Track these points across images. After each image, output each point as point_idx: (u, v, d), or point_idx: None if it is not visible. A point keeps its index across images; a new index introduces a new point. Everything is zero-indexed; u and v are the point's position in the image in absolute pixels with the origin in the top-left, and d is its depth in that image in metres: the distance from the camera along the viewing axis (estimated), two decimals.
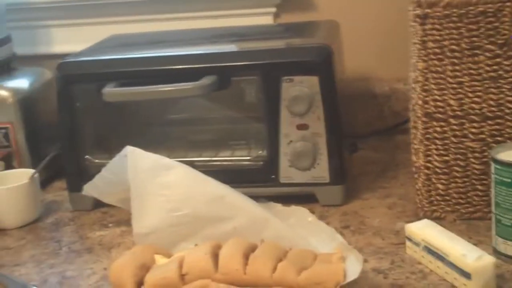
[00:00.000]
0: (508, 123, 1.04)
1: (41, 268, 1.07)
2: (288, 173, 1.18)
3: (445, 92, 1.04)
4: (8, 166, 1.37)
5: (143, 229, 1.06)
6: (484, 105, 1.03)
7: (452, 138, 1.06)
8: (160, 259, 0.97)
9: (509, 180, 0.93)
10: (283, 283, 0.89)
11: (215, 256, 0.93)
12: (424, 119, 1.06)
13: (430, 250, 0.95)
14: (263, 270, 0.90)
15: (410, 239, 0.99)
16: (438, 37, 1.03)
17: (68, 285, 1.01)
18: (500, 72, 1.02)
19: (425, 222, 1.00)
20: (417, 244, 0.97)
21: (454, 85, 1.04)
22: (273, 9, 1.53)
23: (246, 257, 0.92)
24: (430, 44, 1.03)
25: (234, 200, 1.05)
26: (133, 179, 1.08)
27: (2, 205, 1.21)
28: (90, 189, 1.16)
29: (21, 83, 1.43)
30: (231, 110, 1.32)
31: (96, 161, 1.25)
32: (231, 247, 0.94)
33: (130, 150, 1.09)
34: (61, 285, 1.01)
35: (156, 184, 1.07)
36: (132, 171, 1.08)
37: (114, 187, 1.13)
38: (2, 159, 1.38)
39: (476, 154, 1.05)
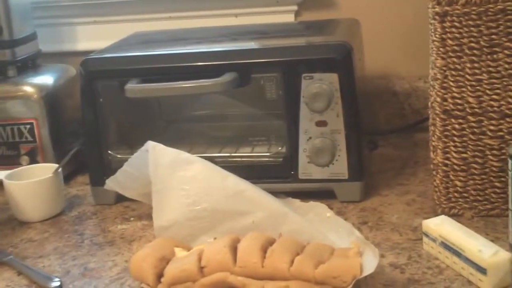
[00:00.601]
0: None
1: (64, 260, 1.09)
2: (307, 169, 1.19)
3: (464, 89, 1.05)
4: (32, 160, 1.40)
5: (164, 223, 1.07)
6: (502, 102, 1.04)
7: (470, 136, 1.06)
8: (179, 252, 0.99)
9: None
10: (300, 277, 0.91)
11: (234, 250, 0.94)
12: (442, 116, 1.07)
13: (447, 246, 0.95)
14: (281, 264, 0.91)
15: (427, 235, 1.00)
16: (457, 35, 1.03)
17: (90, 277, 1.03)
18: None
19: (442, 218, 1.01)
20: (434, 240, 0.98)
21: (473, 83, 1.04)
22: (295, 7, 1.54)
23: (264, 250, 0.94)
24: (449, 42, 1.04)
25: (253, 194, 1.07)
26: (154, 173, 1.09)
27: (26, 198, 1.23)
28: (112, 183, 1.18)
29: (46, 79, 1.45)
30: (251, 106, 1.33)
31: (119, 156, 1.27)
32: (250, 241, 0.95)
33: (151, 146, 1.11)
34: (84, 276, 1.03)
35: (176, 178, 1.08)
36: (153, 166, 1.10)
37: (136, 182, 1.15)
38: (27, 153, 1.41)
39: (494, 152, 1.06)
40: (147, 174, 1.10)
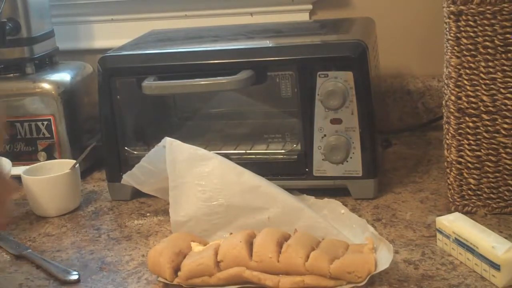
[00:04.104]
0: None
1: (82, 254, 1.10)
2: (321, 166, 1.20)
3: (478, 88, 1.05)
4: (50, 156, 1.42)
5: (180, 218, 1.09)
6: None
7: (484, 134, 1.07)
8: (196, 247, 1.00)
9: None
10: (315, 272, 0.92)
11: (250, 244, 0.96)
12: (456, 114, 1.08)
13: (460, 243, 0.96)
14: (296, 259, 0.92)
15: (440, 232, 1.01)
16: (472, 34, 1.04)
17: (108, 270, 1.04)
18: None
19: (456, 215, 1.02)
20: (447, 236, 0.99)
21: (487, 81, 1.05)
22: (310, 6, 1.55)
23: (280, 245, 0.95)
24: (464, 41, 1.04)
25: (269, 190, 1.08)
26: (171, 169, 1.11)
27: (44, 194, 1.25)
28: (129, 178, 1.20)
29: (63, 76, 1.46)
30: (266, 104, 1.34)
31: (135, 152, 1.28)
32: (265, 236, 0.97)
33: (168, 142, 1.12)
34: (101, 270, 1.05)
35: (193, 174, 1.10)
36: (170, 161, 1.11)
37: (152, 177, 1.16)
38: (44, 150, 1.42)
39: (508, 150, 1.06)
40: (164, 169, 1.11)
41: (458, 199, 1.11)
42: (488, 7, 1.02)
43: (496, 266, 0.89)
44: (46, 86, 1.41)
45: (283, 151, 1.26)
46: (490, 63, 1.04)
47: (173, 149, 1.11)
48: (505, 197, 1.09)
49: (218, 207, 1.08)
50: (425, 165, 1.33)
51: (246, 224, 1.05)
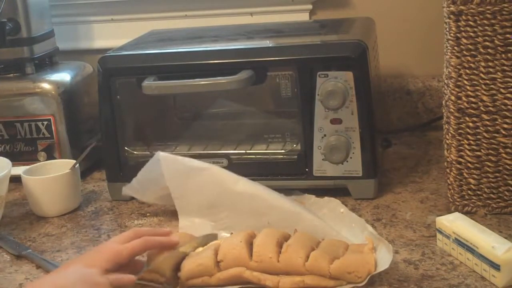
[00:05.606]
0: None
1: (82, 254, 1.10)
2: (321, 166, 1.20)
3: (478, 88, 1.05)
4: (49, 156, 1.42)
5: (188, 222, 1.11)
6: None
7: (484, 134, 1.07)
8: None
9: None
10: (315, 272, 0.92)
11: (250, 245, 0.96)
12: (456, 114, 1.07)
13: (460, 243, 0.96)
14: (296, 259, 0.93)
15: (440, 232, 1.01)
16: (472, 34, 1.04)
17: None
18: None
19: (455, 215, 1.02)
20: (447, 236, 0.99)
21: (487, 81, 1.05)
22: (309, 6, 1.55)
23: (280, 246, 0.95)
24: (464, 41, 1.04)
25: (266, 197, 1.08)
26: (171, 182, 1.12)
27: (44, 194, 1.25)
28: (130, 190, 1.21)
29: (63, 76, 1.46)
30: (266, 104, 1.34)
31: (135, 152, 1.28)
32: (265, 236, 0.97)
33: (162, 156, 1.13)
34: None
35: (192, 184, 1.11)
36: (169, 175, 1.12)
37: (151, 186, 1.17)
38: (44, 150, 1.42)
39: (508, 150, 1.06)
40: (161, 180, 1.13)
41: (458, 199, 1.11)
42: (488, 7, 1.02)
43: (496, 266, 0.89)
44: (46, 86, 1.41)
45: (283, 151, 1.26)
46: (490, 63, 1.04)
47: (168, 163, 1.12)
48: (505, 197, 1.09)
49: (221, 213, 1.09)
50: (425, 165, 1.34)
51: (248, 227, 1.04)
